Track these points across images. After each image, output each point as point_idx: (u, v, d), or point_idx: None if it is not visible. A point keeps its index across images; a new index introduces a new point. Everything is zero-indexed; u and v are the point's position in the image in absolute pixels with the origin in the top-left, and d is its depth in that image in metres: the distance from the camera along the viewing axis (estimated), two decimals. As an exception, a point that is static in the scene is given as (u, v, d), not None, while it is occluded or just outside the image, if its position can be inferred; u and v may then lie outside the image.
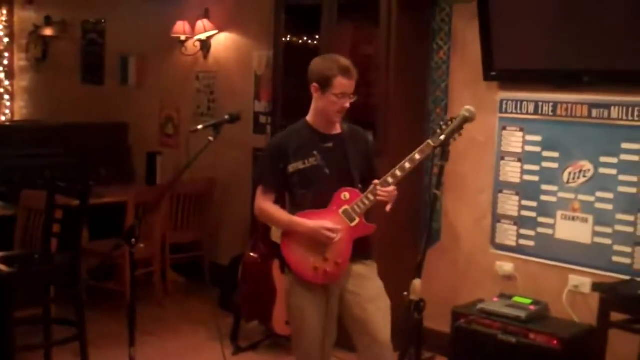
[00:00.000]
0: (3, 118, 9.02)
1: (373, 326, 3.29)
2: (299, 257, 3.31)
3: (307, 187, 3.31)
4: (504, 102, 4.46)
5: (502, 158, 4.49)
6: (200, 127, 3.22)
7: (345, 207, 3.26)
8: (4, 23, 8.96)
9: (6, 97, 9.05)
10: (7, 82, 9.03)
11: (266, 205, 3.38)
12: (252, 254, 4.84)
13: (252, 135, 5.94)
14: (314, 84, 3.28)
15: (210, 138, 3.18)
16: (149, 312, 5.43)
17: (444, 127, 3.07)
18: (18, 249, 4.86)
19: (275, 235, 4.68)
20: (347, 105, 3.25)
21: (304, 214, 3.30)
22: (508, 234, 4.48)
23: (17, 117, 8.93)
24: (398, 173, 3.18)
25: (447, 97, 4.71)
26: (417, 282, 2.61)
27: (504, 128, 4.47)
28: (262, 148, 5.43)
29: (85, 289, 4.65)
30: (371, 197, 3.21)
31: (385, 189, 3.16)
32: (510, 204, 4.47)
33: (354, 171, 3.29)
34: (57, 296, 4.47)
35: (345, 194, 3.27)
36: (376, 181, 3.21)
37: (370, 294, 3.32)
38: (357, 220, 3.25)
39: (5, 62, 9.00)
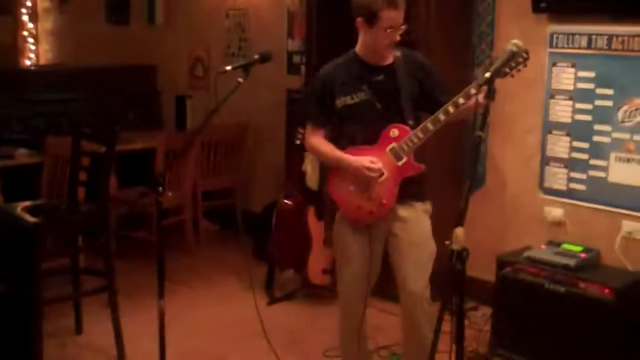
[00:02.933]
0: (28, 62, 9.05)
1: (403, 274, 3.31)
2: (344, 194, 3.35)
3: (357, 122, 3.29)
4: (555, 35, 4.36)
5: (552, 96, 4.41)
6: (228, 67, 3.17)
7: (393, 144, 3.24)
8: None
9: (30, 40, 9.06)
10: (31, 25, 9.03)
11: (315, 140, 3.40)
12: (286, 201, 4.87)
13: (285, 75, 5.91)
14: (359, 19, 3.21)
15: (240, 79, 3.14)
16: (180, 261, 5.52)
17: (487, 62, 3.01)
18: (44, 198, 4.90)
19: (311, 181, 4.77)
20: (397, 38, 3.19)
21: (351, 150, 3.30)
22: (557, 177, 4.43)
23: (42, 61, 8.96)
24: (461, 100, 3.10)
25: (492, 32, 4.61)
26: (459, 231, 2.52)
27: (554, 64, 4.38)
28: (296, 89, 5.48)
29: (114, 239, 4.69)
30: (420, 135, 3.17)
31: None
32: (560, 145, 4.40)
33: (405, 105, 3.24)
34: (86, 246, 4.51)
35: (394, 131, 3.24)
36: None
37: (410, 239, 3.32)
38: (405, 159, 3.24)
39: (29, 3, 8.98)
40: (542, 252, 4.10)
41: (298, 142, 4.72)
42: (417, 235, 3.33)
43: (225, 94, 3.11)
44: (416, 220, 3.34)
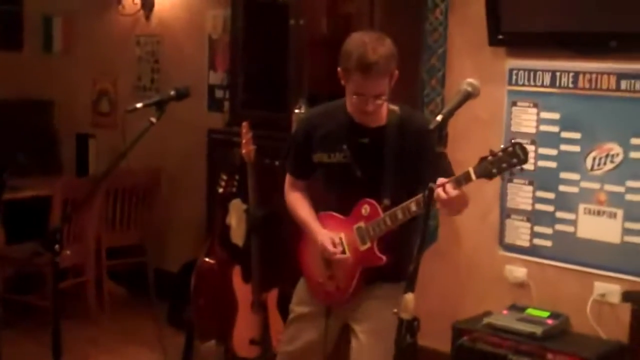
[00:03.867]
0: None
1: None
2: (310, 264, 3.44)
3: (332, 185, 3.36)
4: (514, 71, 4.45)
5: (512, 140, 4.43)
6: (139, 105, 3.19)
7: (361, 224, 3.24)
8: None
9: None
10: None
11: (292, 196, 3.48)
12: (207, 260, 4.83)
13: (206, 113, 5.92)
14: (338, 69, 3.17)
15: (152, 119, 3.14)
16: (80, 331, 5.41)
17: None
18: None
19: (236, 236, 4.76)
20: (368, 108, 3.11)
21: (323, 216, 3.39)
22: (520, 232, 4.49)
23: None
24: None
25: (444, 66, 4.68)
26: (409, 298, 2.53)
27: (514, 103, 4.46)
28: (219, 129, 5.46)
29: (1, 304, 4.59)
30: (388, 222, 3.15)
31: (442, 195, 2.89)
32: (522, 195, 4.47)
33: (387, 179, 3.21)
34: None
35: (366, 208, 3.24)
36: (402, 206, 3.10)
37: (370, 327, 3.30)
38: (368, 244, 3.23)
39: None
40: (504, 318, 4.13)
41: (221, 190, 4.69)
42: (378, 323, 3.23)
43: (135, 134, 3.10)
44: (381, 305, 3.23)
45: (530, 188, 4.43)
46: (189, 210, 6.05)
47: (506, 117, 4.49)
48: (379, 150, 3.21)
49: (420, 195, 3.02)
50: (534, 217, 4.43)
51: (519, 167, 2.92)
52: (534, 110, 4.39)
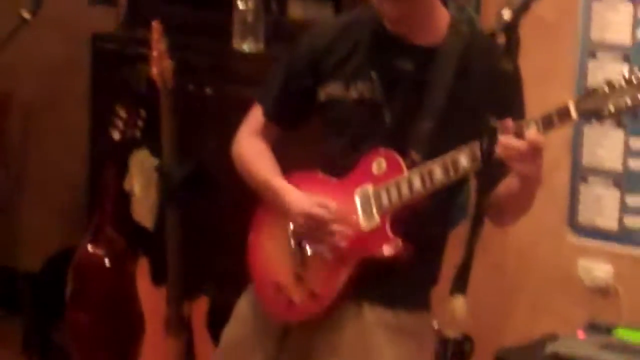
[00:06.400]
0: None
1: None
2: (264, 255, 3.44)
3: (342, 134, 3.30)
4: None
5: (593, 54, 4.55)
6: None
7: (368, 186, 3.18)
8: None
9: None
10: None
11: (248, 142, 3.47)
12: (92, 250, 4.90)
13: (87, 7, 5.99)
14: None
15: (25, 14, 3.32)
16: None
17: None
18: None
19: (141, 211, 4.97)
20: (393, 12, 3.11)
21: (299, 176, 3.35)
22: (603, 205, 4.56)
23: None
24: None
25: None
26: (458, 303, 2.52)
27: (596, -5, 4.47)
28: (110, 34, 5.49)
29: None
30: (416, 184, 3.08)
31: (515, 145, 2.84)
32: (607, 145, 4.55)
33: (427, 130, 3.14)
34: None
35: (380, 162, 3.19)
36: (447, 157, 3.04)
37: None
38: (377, 220, 3.15)
39: None
40: (579, 345, 4.20)
41: (117, 135, 4.74)
42: None
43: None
44: (368, 344, 3.21)
45: (621, 133, 4.49)
46: (59, 166, 6.09)
47: (583, 17, 4.57)
48: (426, 84, 3.17)
49: (475, 143, 2.91)
50: (626, 180, 4.52)
51: None
52: (629, 5, 4.43)
